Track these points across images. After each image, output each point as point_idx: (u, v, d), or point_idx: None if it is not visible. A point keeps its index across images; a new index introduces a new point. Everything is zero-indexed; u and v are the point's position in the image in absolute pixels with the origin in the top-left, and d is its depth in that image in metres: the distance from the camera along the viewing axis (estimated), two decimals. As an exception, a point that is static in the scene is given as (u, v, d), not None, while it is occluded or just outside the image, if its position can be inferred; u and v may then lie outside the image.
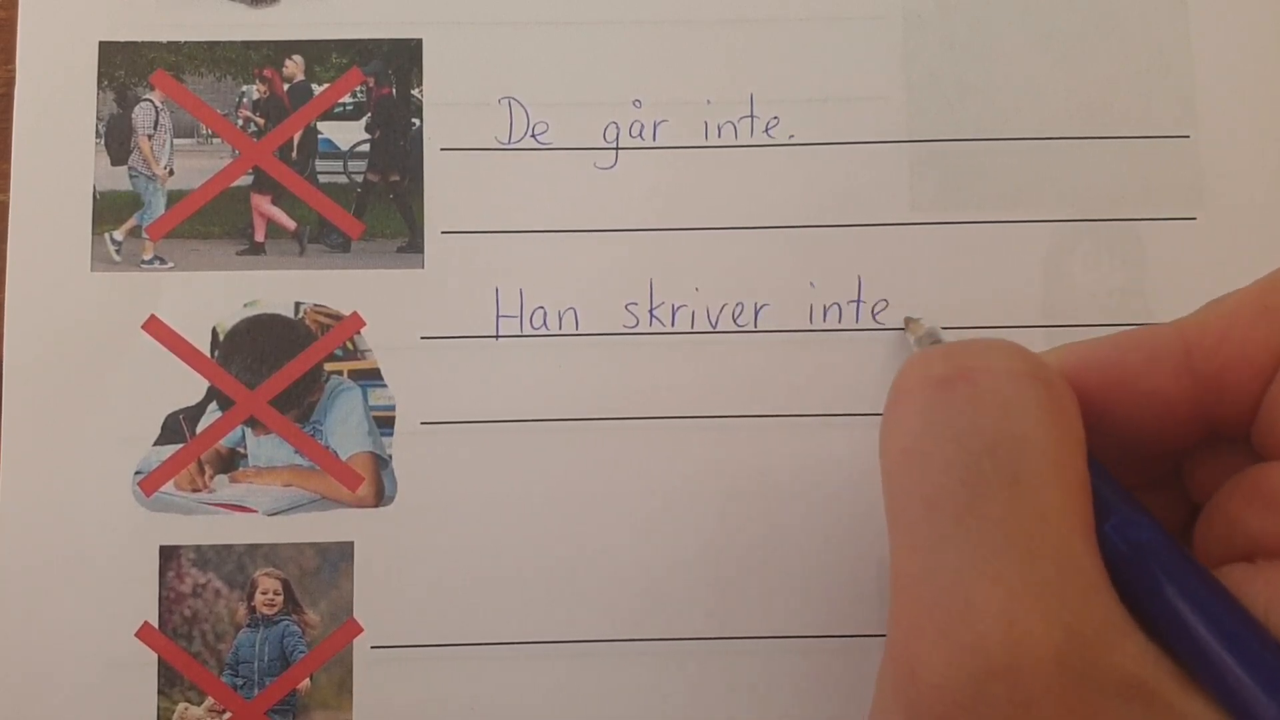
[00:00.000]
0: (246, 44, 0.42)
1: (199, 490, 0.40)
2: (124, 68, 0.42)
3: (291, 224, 0.42)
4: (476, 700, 0.39)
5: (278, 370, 0.41)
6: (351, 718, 0.40)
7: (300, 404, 0.41)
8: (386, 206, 0.42)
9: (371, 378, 0.41)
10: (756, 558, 0.40)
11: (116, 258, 0.41)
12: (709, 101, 0.42)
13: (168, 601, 0.40)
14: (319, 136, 0.42)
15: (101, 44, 0.42)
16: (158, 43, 0.42)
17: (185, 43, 0.42)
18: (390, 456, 0.40)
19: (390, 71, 0.42)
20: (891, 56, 0.42)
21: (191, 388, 0.41)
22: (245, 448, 0.41)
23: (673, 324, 0.41)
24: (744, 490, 0.40)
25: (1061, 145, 0.42)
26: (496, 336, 0.41)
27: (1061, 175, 0.42)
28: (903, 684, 0.26)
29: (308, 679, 0.40)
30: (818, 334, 0.41)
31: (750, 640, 0.40)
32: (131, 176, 0.42)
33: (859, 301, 0.42)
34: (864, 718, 0.37)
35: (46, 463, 0.40)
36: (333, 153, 0.42)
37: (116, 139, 0.42)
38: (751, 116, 0.42)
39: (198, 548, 0.40)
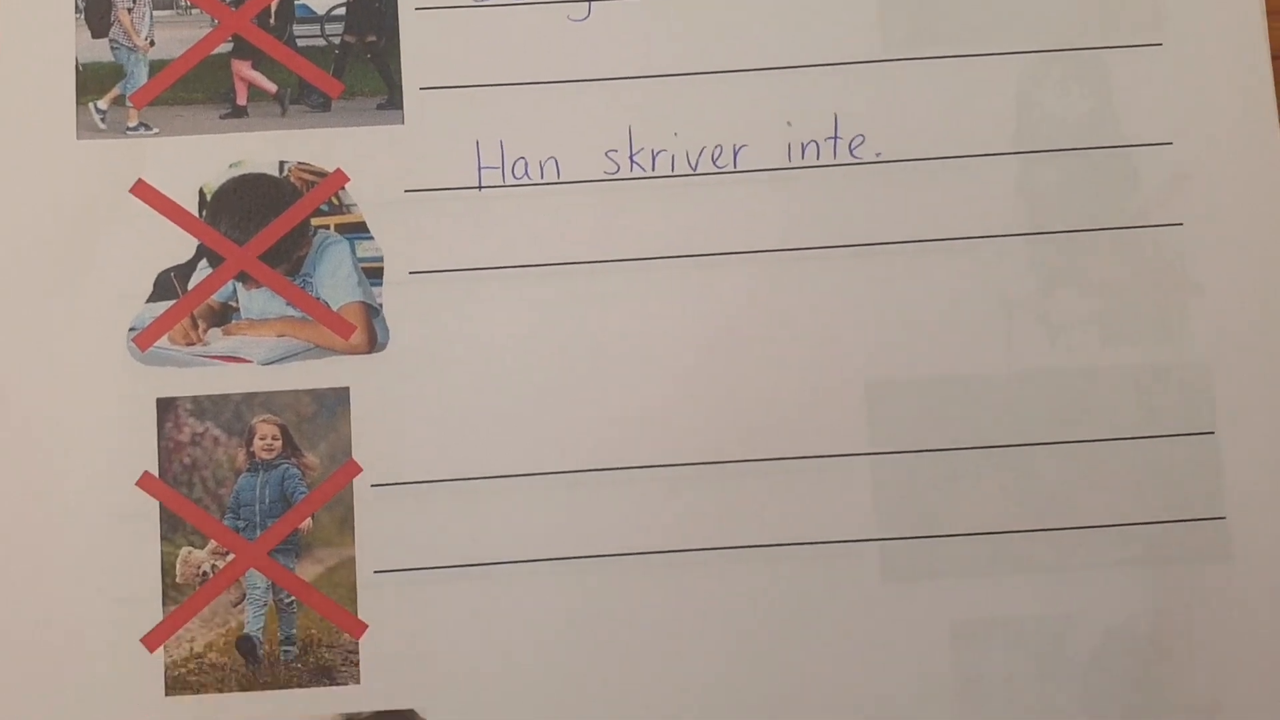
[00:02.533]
0: (221, -89, 0.46)
1: (193, 344, 0.44)
2: (101, -60, 0.46)
3: (272, 87, 0.46)
4: (477, 530, 0.43)
5: (265, 226, 0.45)
6: (354, 554, 0.43)
7: (289, 258, 0.44)
8: (364, 66, 0.46)
9: (358, 230, 0.45)
10: (745, 386, 0.44)
11: (102, 125, 0.45)
12: (678, -51, 0.46)
13: (167, 451, 0.43)
14: (296, 2, 0.46)
15: (78, -82, 0.46)
16: (134, -87, 0.46)
17: (161, -87, 0.46)
18: (381, 305, 0.44)
19: (364, -68, 0.46)
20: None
21: (181, 247, 0.44)
22: (237, 301, 0.44)
23: (653, 168, 0.45)
24: (729, 325, 0.44)
25: (1027, -25, 0.46)
26: (479, 188, 0.45)
27: (1029, 8, 0.46)
28: None
29: (309, 519, 0.43)
30: (796, 171, 0.45)
31: (742, 464, 0.43)
32: (113, 48, 0.46)
33: (835, 138, 0.45)
34: (847, 528, 0.41)
35: (41, 325, 0.43)
36: (310, 17, 0.46)
37: (96, 12, 0.46)
38: (720, -41, 0.46)
39: (194, 399, 0.44)
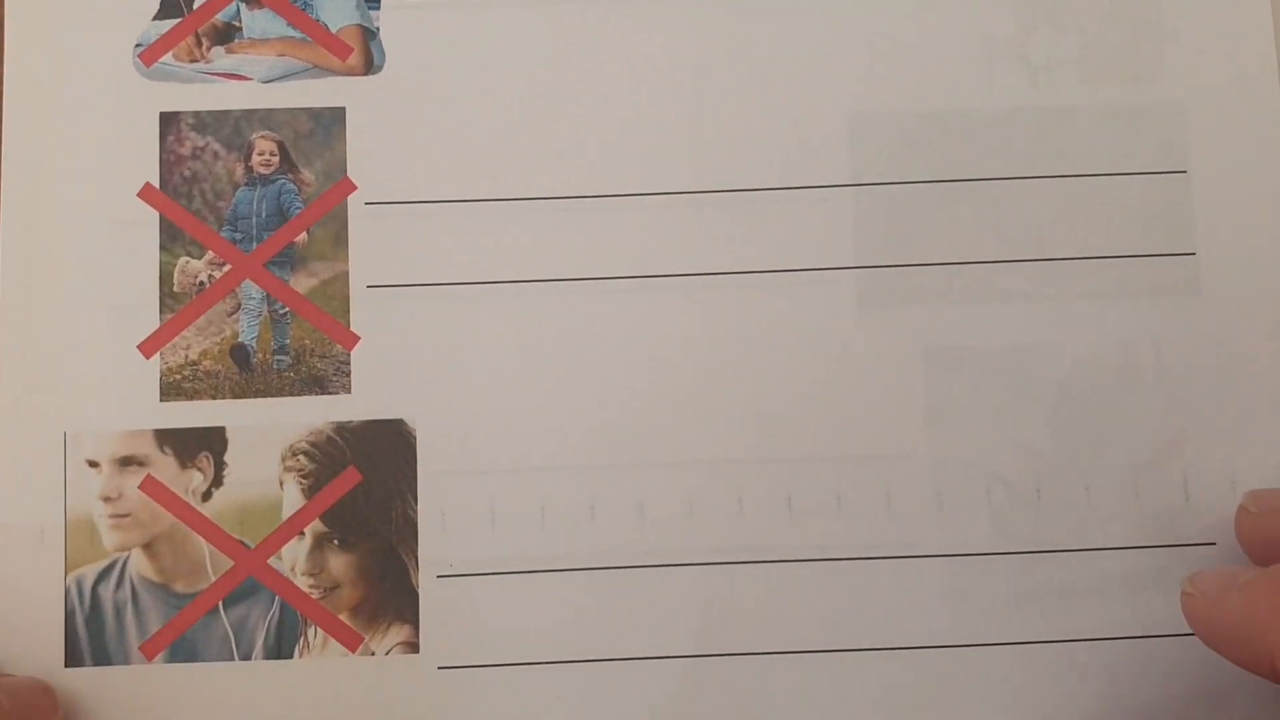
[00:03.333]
0: None
1: (196, 61, 0.46)
2: None
3: None
4: (467, 248, 0.45)
5: (269, -49, 0.46)
6: (348, 268, 0.45)
7: (292, -19, 0.46)
8: None
9: (359, -42, 0.46)
10: (729, 117, 0.46)
11: None
12: None
13: (168, 164, 0.45)
14: None
15: None
16: None
17: None
18: (378, 29, 0.46)
19: None
20: None
21: (186, -31, 0.46)
22: (240, 21, 0.46)
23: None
24: (714, 57, 0.46)
25: None
26: (478, -79, 0.47)
27: None
28: None
29: (304, 233, 0.45)
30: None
31: (725, 194, 0.45)
32: None
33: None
34: (827, 256, 0.43)
35: (52, 38, 0.45)
36: None
37: None
38: None
39: (196, 113, 0.46)
